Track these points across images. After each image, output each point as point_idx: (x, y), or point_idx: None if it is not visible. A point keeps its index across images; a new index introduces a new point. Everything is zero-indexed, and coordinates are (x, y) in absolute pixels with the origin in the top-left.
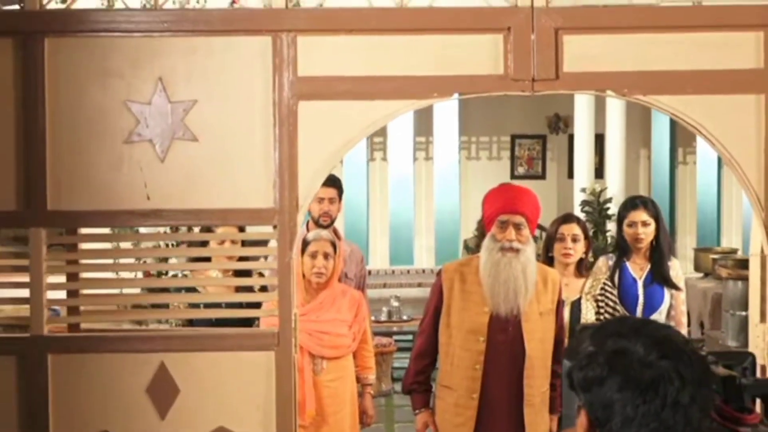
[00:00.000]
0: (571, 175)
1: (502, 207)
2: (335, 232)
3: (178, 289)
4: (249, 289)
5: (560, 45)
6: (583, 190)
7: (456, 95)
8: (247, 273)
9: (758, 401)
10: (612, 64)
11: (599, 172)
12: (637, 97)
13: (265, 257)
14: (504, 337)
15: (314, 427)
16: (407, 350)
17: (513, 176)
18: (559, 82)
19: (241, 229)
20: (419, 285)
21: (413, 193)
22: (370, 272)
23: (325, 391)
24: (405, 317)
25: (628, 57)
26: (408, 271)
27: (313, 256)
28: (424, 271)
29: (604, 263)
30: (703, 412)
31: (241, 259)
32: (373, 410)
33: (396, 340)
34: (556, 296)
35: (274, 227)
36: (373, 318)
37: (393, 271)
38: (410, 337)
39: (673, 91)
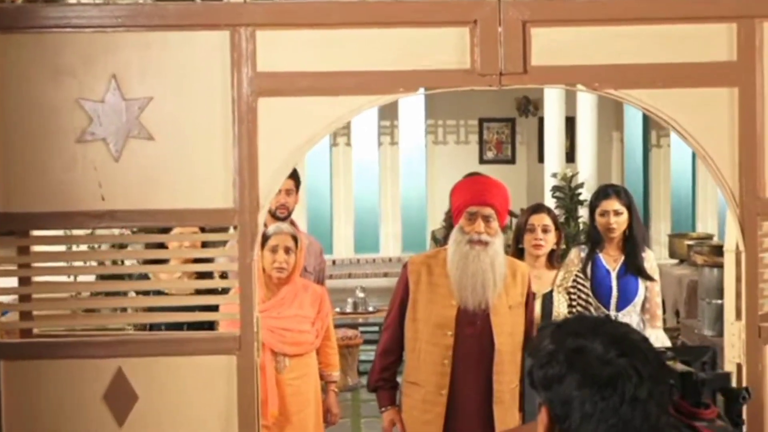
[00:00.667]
0: (541, 159)
1: (470, 199)
2: (293, 224)
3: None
4: (209, 291)
5: (528, 38)
6: (554, 175)
7: (422, 90)
8: (207, 275)
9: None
10: (582, 58)
11: (570, 156)
12: (608, 92)
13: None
14: (472, 330)
15: (277, 427)
16: (373, 342)
17: (482, 161)
18: (527, 77)
19: (202, 230)
20: (385, 274)
21: (378, 179)
22: (334, 261)
23: (287, 390)
24: (371, 308)
25: (598, 50)
26: (374, 260)
27: (274, 250)
28: (390, 259)
29: (576, 255)
30: (661, 408)
31: (200, 260)
32: (337, 408)
33: (362, 332)
34: (526, 290)
35: (234, 228)
36: (337, 309)
37: (358, 260)
38: (377, 328)
39: (644, 85)
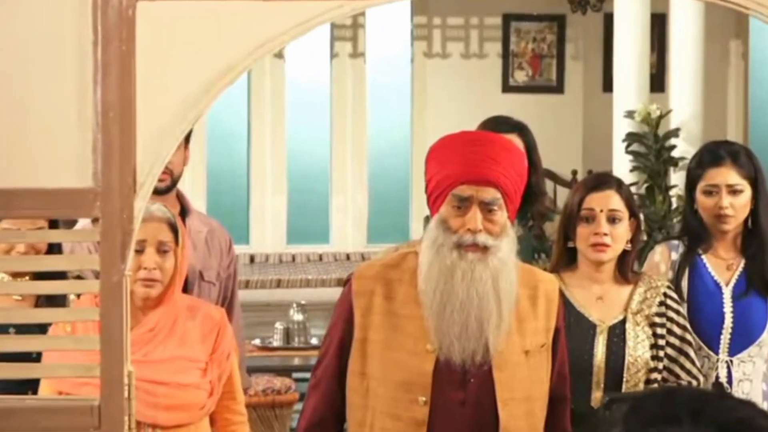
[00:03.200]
0: (609, 86)
1: (461, 172)
2: (180, 198)
3: None
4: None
5: None
6: (630, 114)
7: None
8: (54, 299)
9: None
10: None
11: (658, 82)
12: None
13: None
14: (461, 395)
15: None
16: None
17: (506, 88)
18: None
19: (53, 225)
20: (339, 283)
21: (329, 117)
22: (253, 259)
23: None
24: (314, 340)
25: None
26: (320, 257)
27: (139, 249)
28: (348, 256)
29: (662, 256)
30: None
31: (39, 276)
32: None
33: (298, 381)
34: (553, 321)
35: (95, 221)
36: (256, 342)
37: (293, 258)
38: None
39: None
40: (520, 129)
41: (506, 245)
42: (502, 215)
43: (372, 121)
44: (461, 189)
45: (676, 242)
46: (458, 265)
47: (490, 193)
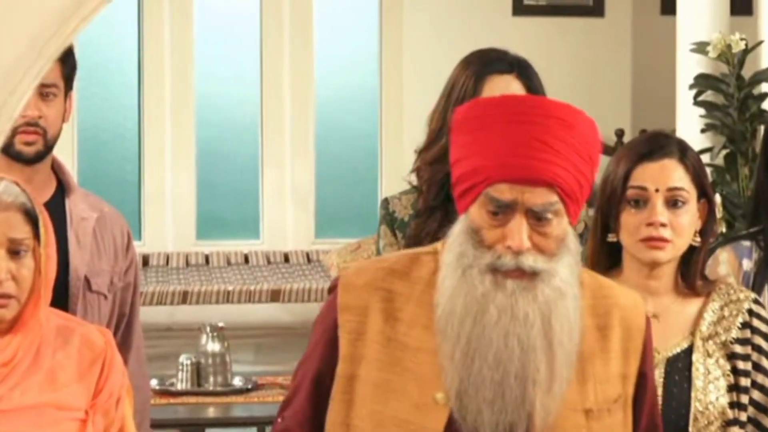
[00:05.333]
0: (669, 7)
1: (499, 164)
2: (57, 170)
3: None
4: None
5: None
6: (702, 47)
7: None
8: None
9: None
10: None
11: (742, 1)
12: None
13: None
14: None
15: None
16: None
17: (519, 9)
18: None
19: None
20: (274, 296)
21: (259, 53)
22: (147, 261)
23: None
24: (238, 380)
25: None
26: (245, 259)
27: None
28: (287, 258)
29: (730, 265)
30: None
31: None
32: None
33: None
34: (635, 363)
35: None
36: (152, 384)
37: (206, 259)
38: None
39: None
40: (520, 68)
41: (564, 267)
42: (559, 224)
43: (321, 59)
44: (499, 190)
45: (747, 243)
46: (492, 298)
47: (542, 197)
